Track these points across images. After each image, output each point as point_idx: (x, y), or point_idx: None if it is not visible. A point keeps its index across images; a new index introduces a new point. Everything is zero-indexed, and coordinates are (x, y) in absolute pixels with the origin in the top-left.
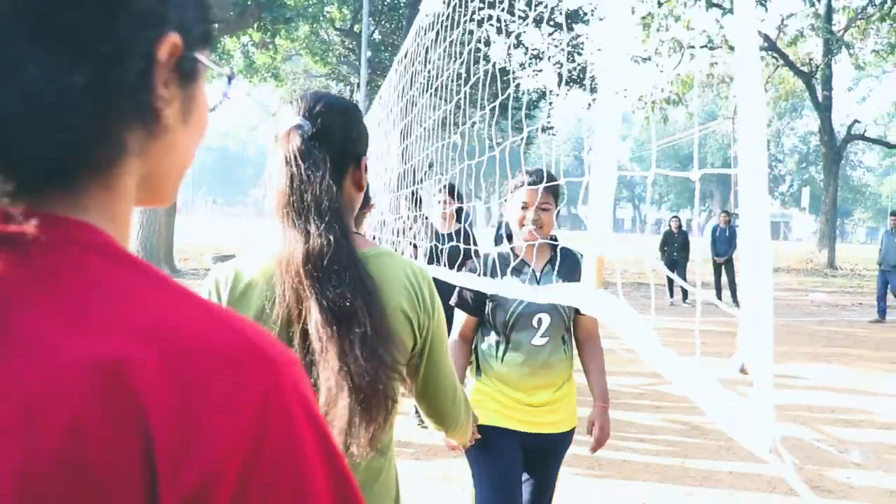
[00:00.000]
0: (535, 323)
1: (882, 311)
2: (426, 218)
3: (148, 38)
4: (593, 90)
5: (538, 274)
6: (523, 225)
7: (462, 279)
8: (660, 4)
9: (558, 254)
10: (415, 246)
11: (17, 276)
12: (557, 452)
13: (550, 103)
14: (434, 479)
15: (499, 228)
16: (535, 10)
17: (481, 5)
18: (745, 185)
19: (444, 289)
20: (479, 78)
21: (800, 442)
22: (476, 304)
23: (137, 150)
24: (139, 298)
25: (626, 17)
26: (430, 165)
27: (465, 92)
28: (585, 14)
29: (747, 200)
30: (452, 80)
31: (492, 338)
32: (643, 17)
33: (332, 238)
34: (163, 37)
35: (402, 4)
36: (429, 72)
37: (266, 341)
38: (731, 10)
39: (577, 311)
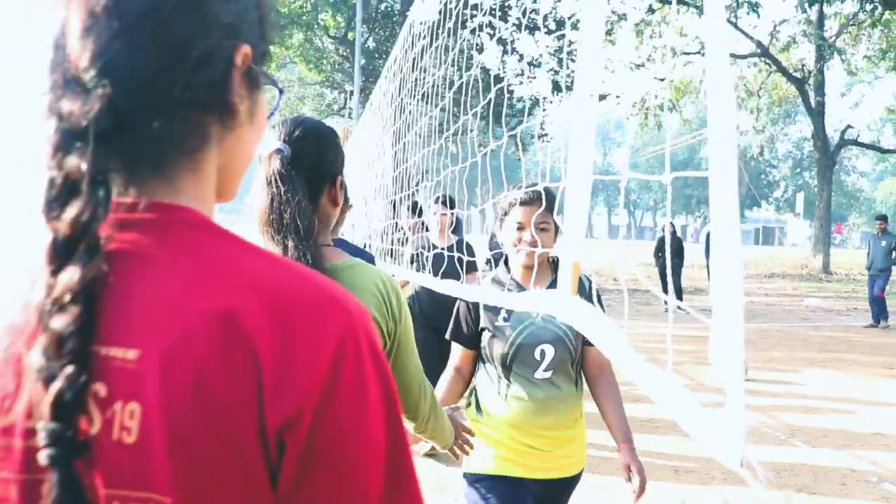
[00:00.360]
0: (537, 355)
1: (885, 315)
2: (424, 228)
3: (229, 46)
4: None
5: None
6: (518, 252)
7: (454, 289)
8: (652, 11)
9: (557, 273)
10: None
11: (147, 252)
12: (565, 496)
13: (544, 110)
14: (429, 487)
15: (492, 237)
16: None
17: (474, 13)
18: (714, 189)
19: (445, 302)
20: (472, 85)
21: (793, 447)
22: (471, 335)
23: (217, 140)
24: (242, 263)
25: (602, 19)
26: (426, 172)
27: (460, 100)
28: (579, 21)
29: (717, 204)
30: (443, 87)
31: (491, 372)
32: (636, 24)
33: (307, 254)
34: (239, 47)
35: (396, 12)
36: (421, 78)
37: (342, 294)
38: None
39: (585, 342)
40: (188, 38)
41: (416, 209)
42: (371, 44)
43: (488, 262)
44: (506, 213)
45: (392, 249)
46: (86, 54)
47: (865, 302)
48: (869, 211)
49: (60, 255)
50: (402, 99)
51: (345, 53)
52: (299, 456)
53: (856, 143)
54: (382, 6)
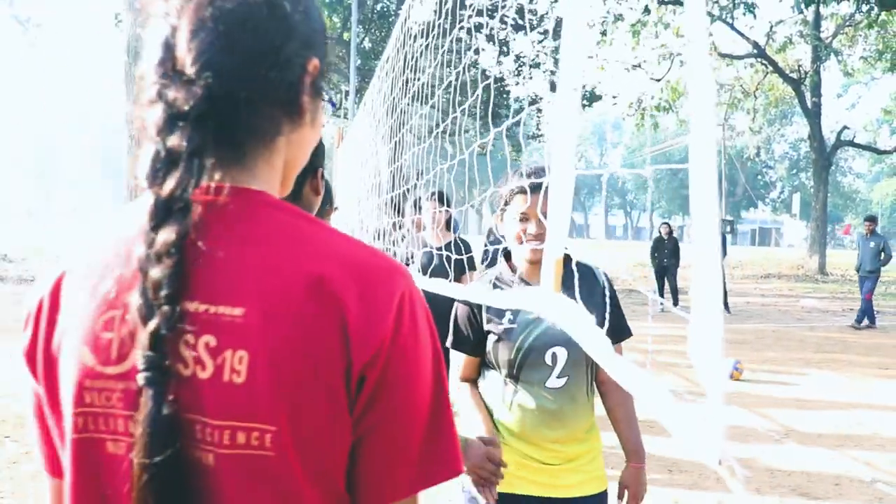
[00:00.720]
0: (548, 359)
1: (871, 317)
2: (418, 229)
3: (304, 56)
4: (582, 97)
5: None
6: (523, 241)
7: (441, 289)
8: (648, 12)
9: (574, 271)
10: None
11: (237, 227)
12: None
13: (539, 110)
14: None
15: (489, 235)
16: (526, 17)
17: (470, 13)
18: (694, 184)
19: (441, 302)
20: (467, 85)
21: (788, 448)
22: (475, 340)
23: (286, 135)
24: (321, 237)
25: (584, 14)
26: (421, 172)
27: (456, 100)
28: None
29: (697, 198)
30: (439, 87)
31: (497, 380)
32: (632, 25)
33: None
34: (311, 58)
35: (391, 13)
36: (415, 78)
37: (399, 263)
38: (720, 18)
39: None
40: (274, 44)
41: (418, 206)
42: (367, 44)
43: (485, 258)
44: (507, 203)
45: (388, 250)
46: (192, 53)
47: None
48: (865, 212)
49: (160, 215)
50: (394, 98)
51: (340, 54)
52: (373, 387)
53: (852, 143)
54: (378, 7)
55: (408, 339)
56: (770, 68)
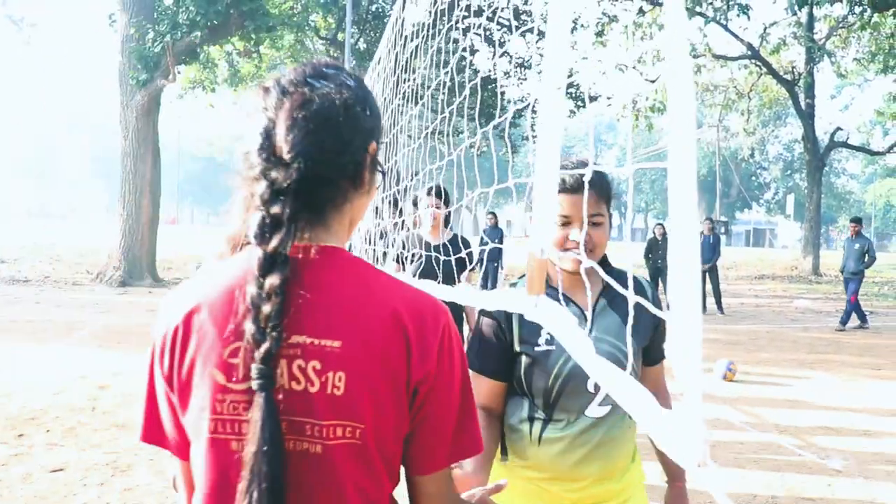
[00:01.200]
0: (591, 386)
1: (862, 317)
2: (414, 226)
3: (367, 142)
4: (577, 98)
5: (588, 312)
6: (567, 248)
7: (456, 294)
8: (643, 13)
9: (615, 279)
10: (400, 262)
11: (325, 277)
12: None
13: (534, 111)
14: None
15: (482, 241)
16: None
17: (465, 14)
18: (673, 182)
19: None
20: (462, 85)
21: (781, 448)
22: (501, 362)
23: (351, 201)
24: (383, 282)
25: (567, 14)
26: (416, 173)
27: (451, 101)
28: (570, 22)
29: (676, 196)
30: (434, 88)
31: (524, 408)
32: (627, 26)
33: None
34: (371, 143)
35: (386, 14)
36: (410, 79)
37: (440, 302)
38: (714, 19)
39: (646, 361)
40: (348, 137)
41: (439, 194)
42: (361, 45)
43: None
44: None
45: (367, 249)
46: (287, 144)
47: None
48: (859, 213)
49: (266, 266)
50: (385, 98)
51: (335, 55)
52: (423, 397)
53: (845, 145)
54: (373, 7)
55: (446, 363)
56: (764, 70)
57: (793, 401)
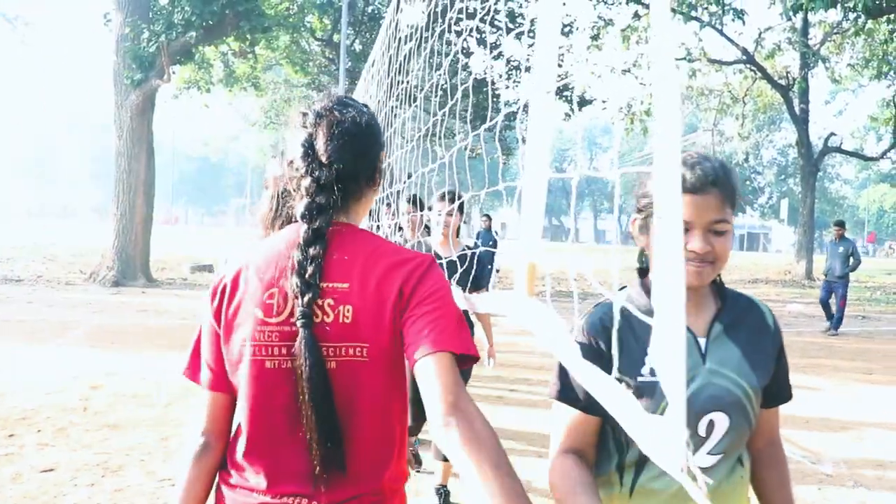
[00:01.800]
0: (702, 429)
1: (834, 321)
2: (413, 231)
3: (379, 150)
4: (571, 101)
5: (702, 339)
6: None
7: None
8: (638, 17)
9: (725, 302)
10: None
11: (347, 243)
12: None
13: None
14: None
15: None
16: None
17: (460, 16)
18: (659, 186)
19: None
20: (457, 87)
21: None
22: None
23: (365, 194)
24: (380, 244)
25: (556, 17)
26: (409, 175)
27: (445, 103)
28: (566, 26)
29: (661, 200)
30: (430, 90)
31: (613, 453)
32: (622, 30)
33: None
34: (381, 151)
35: (382, 15)
36: (405, 81)
37: (419, 252)
38: (709, 24)
39: (763, 401)
40: (368, 148)
41: (415, 202)
42: (357, 46)
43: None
44: (648, 207)
45: None
46: (327, 152)
47: (847, 307)
48: (852, 218)
49: (311, 239)
50: (378, 100)
51: (331, 56)
52: (407, 311)
53: (839, 150)
54: (369, 9)
55: (428, 276)
56: (759, 74)
57: (785, 405)
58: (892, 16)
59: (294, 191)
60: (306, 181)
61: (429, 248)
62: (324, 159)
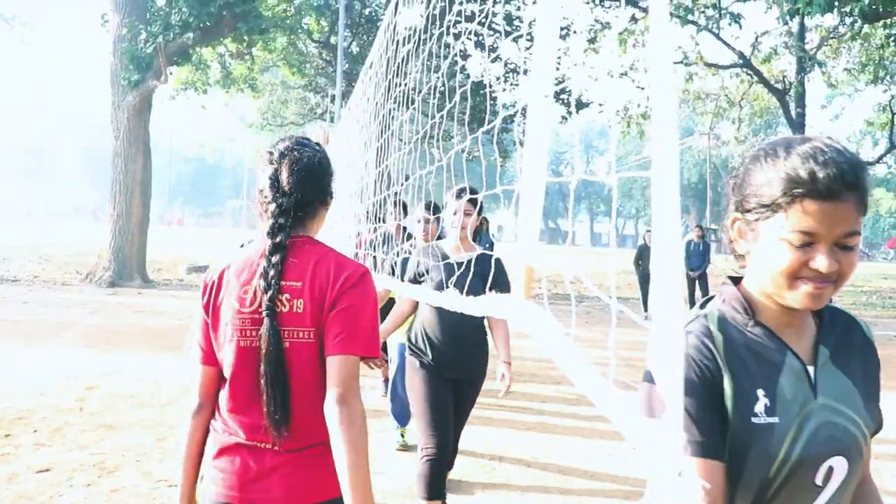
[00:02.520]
0: (819, 478)
1: None
2: (427, 237)
3: (330, 180)
4: (568, 104)
5: (810, 368)
6: (802, 277)
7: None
8: (635, 20)
9: (822, 319)
10: (397, 273)
11: (302, 252)
12: None
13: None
14: (406, 491)
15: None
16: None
17: (458, 19)
18: (656, 190)
19: (466, 342)
20: (455, 90)
21: None
22: (716, 432)
23: (319, 212)
24: (326, 252)
25: (555, 21)
26: (407, 177)
27: (443, 105)
28: (563, 29)
29: (659, 205)
30: (427, 93)
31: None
32: (620, 33)
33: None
34: (332, 181)
35: (379, 17)
36: (402, 83)
37: (359, 263)
38: (706, 28)
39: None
40: (321, 179)
41: (435, 209)
42: (354, 48)
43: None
44: (777, 206)
45: (358, 254)
46: (289, 184)
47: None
48: None
49: (272, 251)
50: (377, 103)
51: (328, 58)
52: (332, 311)
53: None
54: (366, 11)
55: (357, 286)
56: (755, 78)
57: None
58: (888, 20)
59: (262, 213)
60: (272, 206)
61: (441, 253)
62: (286, 189)
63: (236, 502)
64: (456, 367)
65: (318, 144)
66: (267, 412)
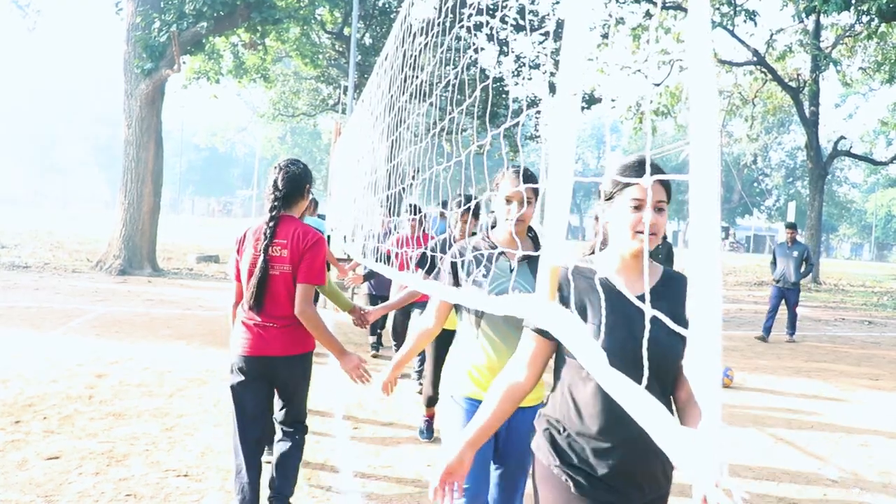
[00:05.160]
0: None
1: (767, 330)
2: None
3: (307, 182)
4: (582, 98)
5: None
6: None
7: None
8: (649, 16)
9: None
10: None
11: (288, 224)
12: None
13: (538, 112)
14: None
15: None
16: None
17: (471, 12)
18: (695, 194)
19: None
20: (467, 84)
21: (777, 457)
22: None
23: (299, 202)
24: (300, 225)
25: (585, 19)
26: (417, 171)
27: (455, 99)
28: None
29: (697, 208)
30: (439, 86)
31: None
32: (633, 29)
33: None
34: (310, 183)
35: (392, 9)
36: (415, 76)
37: (316, 231)
38: (721, 24)
39: None
40: (301, 182)
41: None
42: (367, 40)
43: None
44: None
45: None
46: (281, 183)
47: (854, 312)
48: (860, 222)
49: (269, 222)
50: (392, 96)
51: (341, 49)
52: (301, 258)
53: (849, 154)
54: (380, 3)
55: (315, 250)
56: (769, 76)
57: (790, 409)
58: None
59: (266, 201)
60: (271, 197)
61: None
62: (280, 187)
63: (253, 352)
64: (632, 489)
65: (302, 163)
66: (251, 302)
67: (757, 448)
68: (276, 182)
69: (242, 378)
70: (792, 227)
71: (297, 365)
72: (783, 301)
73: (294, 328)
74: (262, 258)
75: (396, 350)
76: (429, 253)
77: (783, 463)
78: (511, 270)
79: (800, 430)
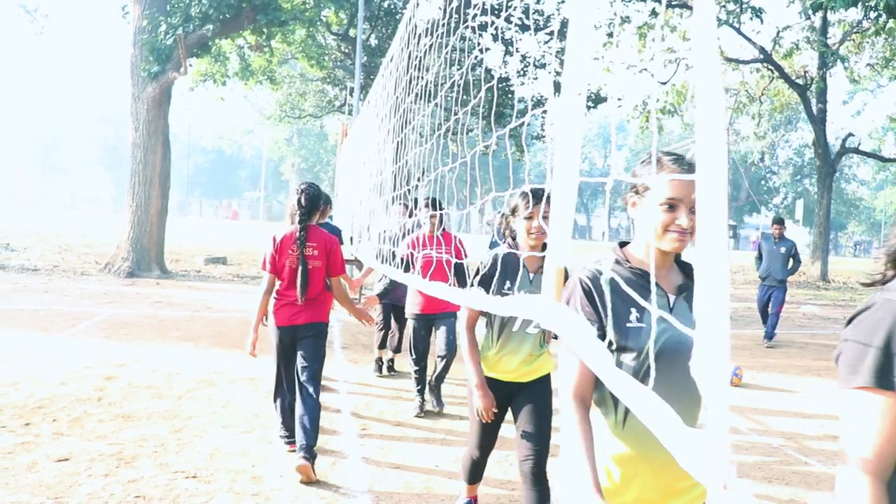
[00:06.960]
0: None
1: (769, 329)
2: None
3: (320, 201)
4: (588, 98)
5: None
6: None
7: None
8: (655, 14)
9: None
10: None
11: (315, 231)
12: None
13: (544, 112)
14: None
15: (492, 244)
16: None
17: (476, 13)
18: (702, 192)
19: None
20: (473, 84)
21: (787, 457)
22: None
23: (316, 214)
24: (325, 232)
25: (589, 18)
26: (423, 172)
27: (461, 99)
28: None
29: (705, 207)
30: (445, 86)
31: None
32: (639, 27)
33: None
34: (322, 203)
35: (398, 10)
36: (421, 77)
37: (335, 236)
38: (727, 22)
39: None
40: (317, 200)
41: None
42: (373, 41)
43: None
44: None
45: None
46: (304, 200)
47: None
48: (868, 220)
49: (301, 229)
50: (397, 97)
51: (346, 50)
52: (328, 252)
53: (857, 151)
54: (385, 4)
55: (337, 245)
56: (776, 74)
57: (799, 407)
58: None
59: (293, 214)
60: (299, 212)
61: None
62: (303, 204)
63: (287, 323)
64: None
65: (316, 185)
66: (299, 289)
67: (765, 446)
68: (300, 200)
69: (281, 340)
70: (779, 221)
71: (321, 329)
72: (770, 299)
73: (318, 303)
74: (301, 258)
75: (415, 365)
76: (481, 269)
77: (793, 462)
78: (530, 282)
79: (808, 429)
